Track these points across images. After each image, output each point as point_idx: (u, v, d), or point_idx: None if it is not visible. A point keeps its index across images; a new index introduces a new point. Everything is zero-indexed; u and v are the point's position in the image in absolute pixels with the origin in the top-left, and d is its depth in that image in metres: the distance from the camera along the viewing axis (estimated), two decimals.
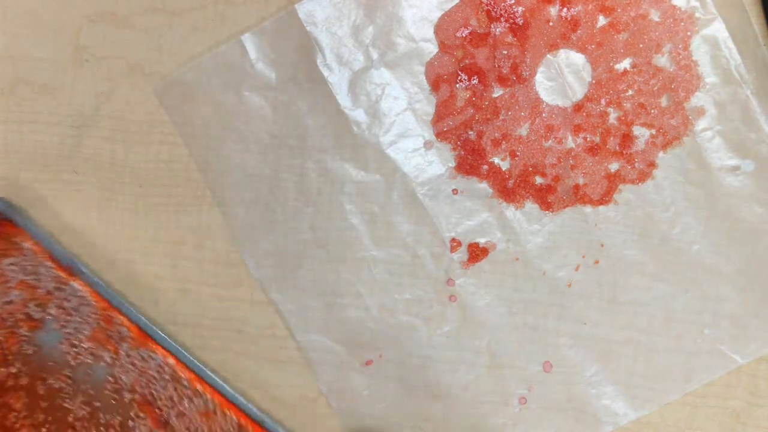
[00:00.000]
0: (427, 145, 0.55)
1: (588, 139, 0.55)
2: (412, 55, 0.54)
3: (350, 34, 0.54)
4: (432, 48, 0.54)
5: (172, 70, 0.55)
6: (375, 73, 0.55)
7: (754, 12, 0.54)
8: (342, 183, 0.55)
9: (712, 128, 0.54)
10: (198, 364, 0.55)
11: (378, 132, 0.55)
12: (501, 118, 0.54)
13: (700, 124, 0.54)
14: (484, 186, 0.55)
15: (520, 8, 0.53)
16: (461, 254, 0.56)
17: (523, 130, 0.55)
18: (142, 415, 0.54)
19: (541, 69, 0.54)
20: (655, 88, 0.54)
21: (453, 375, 0.56)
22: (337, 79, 0.55)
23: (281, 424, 0.56)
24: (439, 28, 0.54)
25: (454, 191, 0.56)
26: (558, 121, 0.54)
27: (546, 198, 0.55)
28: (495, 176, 0.55)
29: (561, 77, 0.54)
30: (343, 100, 0.55)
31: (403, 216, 0.55)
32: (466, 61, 0.54)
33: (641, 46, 0.54)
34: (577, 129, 0.54)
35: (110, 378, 0.54)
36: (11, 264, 0.53)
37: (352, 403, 0.57)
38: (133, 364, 0.54)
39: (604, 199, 0.55)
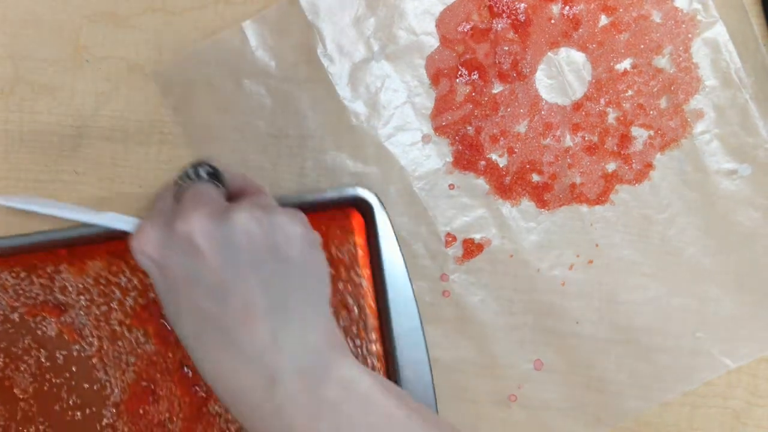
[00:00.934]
0: (425, 139, 0.55)
1: (586, 138, 0.55)
2: (412, 48, 0.54)
3: (352, 25, 0.54)
4: (433, 42, 0.54)
5: None
6: (375, 65, 0.55)
7: (756, 16, 0.54)
8: (340, 174, 0.55)
9: (711, 131, 0.54)
10: None
11: (377, 124, 0.55)
12: (500, 114, 0.54)
13: (699, 127, 0.54)
14: (480, 182, 0.55)
15: (522, 5, 0.53)
16: (456, 249, 0.56)
17: (522, 127, 0.55)
18: None
19: (541, 66, 0.54)
20: (655, 89, 0.54)
21: (444, 370, 0.56)
22: (337, 70, 0.55)
23: None
24: (441, 22, 0.54)
25: (451, 186, 0.55)
26: (557, 120, 0.54)
27: (542, 196, 0.55)
28: (492, 172, 0.55)
29: (561, 75, 0.54)
30: (343, 90, 0.55)
31: (398, 209, 0.55)
32: (467, 56, 0.54)
33: (642, 46, 0.54)
34: (575, 128, 0.54)
35: None
36: None
37: None
38: None
39: (601, 198, 0.55)
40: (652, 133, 0.54)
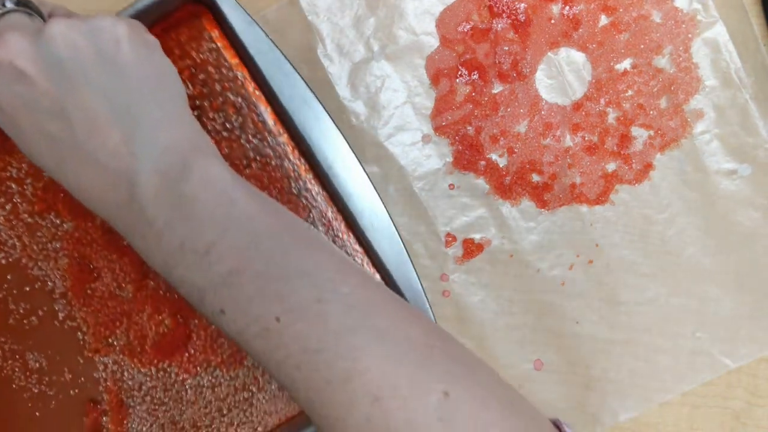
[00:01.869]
0: (425, 139, 0.55)
1: (586, 138, 0.55)
2: (412, 48, 0.54)
3: (352, 25, 0.54)
4: (433, 42, 0.54)
5: None
6: (375, 65, 0.55)
7: (756, 16, 0.54)
8: None
9: (711, 131, 0.54)
10: None
11: (376, 124, 0.55)
12: (500, 114, 0.54)
13: (699, 127, 0.54)
14: (480, 182, 0.55)
15: (522, 5, 0.53)
16: (456, 249, 0.56)
17: (522, 127, 0.55)
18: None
19: (541, 66, 0.54)
20: (655, 89, 0.54)
21: None
22: (337, 70, 0.55)
23: None
24: (441, 22, 0.54)
25: (451, 186, 0.55)
26: (557, 120, 0.54)
27: (542, 196, 0.55)
28: (492, 172, 0.55)
29: (561, 75, 0.54)
30: (343, 90, 0.55)
31: (398, 209, 0.55)
32: (467, 56, 0.54)
33: (642, 46, 0.54)
34: (575, 128, 0.54)
35: None
36: None
37: None
38: None
39: (601, 198, 0.55)
40: (652, 133, 0.54)
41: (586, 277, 0.56)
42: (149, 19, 0.48)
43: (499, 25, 0.54)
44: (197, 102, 0.50)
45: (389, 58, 0.54)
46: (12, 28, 0.38)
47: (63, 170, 0.39)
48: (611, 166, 0.55)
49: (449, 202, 0.56)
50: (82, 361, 0.52)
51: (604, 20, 0.54)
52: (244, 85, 0.50)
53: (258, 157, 0.51)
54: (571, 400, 0.56)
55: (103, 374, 0.52)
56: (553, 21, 0.54)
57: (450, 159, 0.55)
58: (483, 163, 0.55)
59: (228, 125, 0.50)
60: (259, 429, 0.53)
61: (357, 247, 0.52)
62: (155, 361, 0.52)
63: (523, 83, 0.54)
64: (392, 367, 0.35)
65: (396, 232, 0.50)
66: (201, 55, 0.50)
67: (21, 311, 0.52)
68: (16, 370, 0.52)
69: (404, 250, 0.50)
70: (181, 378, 0.52)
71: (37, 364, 0.52)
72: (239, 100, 0.50)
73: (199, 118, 0.50)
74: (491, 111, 0.54)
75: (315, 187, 0.51)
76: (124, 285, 0.52)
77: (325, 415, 0.36)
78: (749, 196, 0.55)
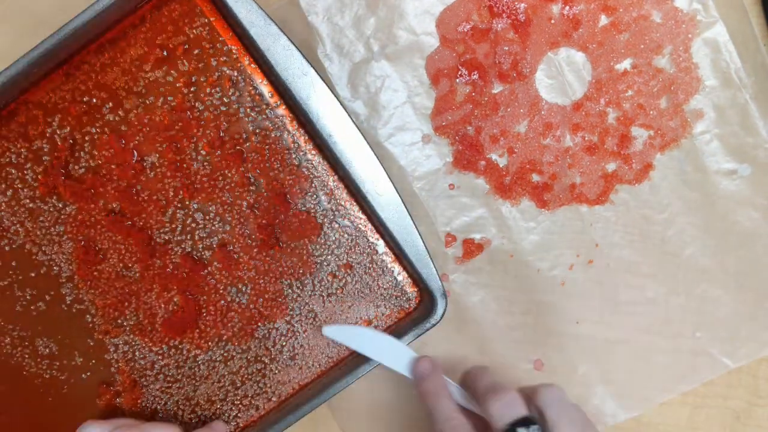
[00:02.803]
0: (425, 139, 0.55)
1: (586, 138, 0.54)
2: (412, 49, 0.54)
3: (351, 25, 0.54)
4: (433, 42, 0.54)
5: None
6: (375, 65, 0.54)
7: (756, 16, 0.54)
8: None
9: (711, 131, 0.54)
10: None
11: (376, 124, 0.55)
12: (500, 114, 0.54)
13: (699, 127, 0.54)
14: (481, 182, 0.55)
15: (522, 5, 0.53)
16: (456, 249, 0.56)
17: (522, 127, 0.55)
18: None
19: (541, 66, 0.54)
20: (655, 89, 0.54)
21: (444, 371, 0.56)
22: (337, 70, 0.54)
23: None
24: (441, 22, 0.54)
25: (451, 186, 0.55)
26: (557, 120, 0.54)
27: (542, 196, 0.55)
28: (492, 172, 0.55)
29: (561, 75, 0.54)
30: (343, 90, 0.54)
31: None
32: (467, 56, 0.54)
33: (642, 46, 0.53)
34: (575, 128, 0.54)
35: None
36: None
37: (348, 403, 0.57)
38: None
39: (601, 198, 0.55)
40: (652, 133, 0.54)
41: (586, 277, 0.56)
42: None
43: (499, 25, 0.53)
44: (193, 78, 0.50)
45: (389, 58, 0.54)
46: None
47: None
48: (611, 166, 0.55)
49: (449, 202, 0.55)
50: (92, 343, 0.52)
51: (604, 20, 0.53)
52: (239, 59, 0.50)
53: (257, 130, 0.51)
54: (571, 400, 0.56)
55: (115, 356, 0.53)
56: (553, 21, 0.53)
57: (450, 159, 0.55)
58: (483, 163, 0.55)
59: (225, 99, 0.50)
60: (274, 399, 0.54)
61: (360, 214, 0.52)
62: (167, 339, 0.53)
63: (523, 83, 0.54)
64: None
65: (399, 198, 0.50)
66: (194, 31, 0.50)
67: (28, 297, 0.52)
68: (26, 356, 0.52)
69: (408, 215, 0.50)
70: (193, 354, 0.53)
71: (47, 350, 0.52)
72: (235, 73, 0.50)
73: (196, 94, 0.50)
74: (491, 111, 0.54)
75: (316, 157, 0.51)
76: (130, 265, 0.52)
77: None
78: (749, 196, 0.55)
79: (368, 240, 0.52)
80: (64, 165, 0.50)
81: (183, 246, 0.51)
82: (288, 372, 0.53)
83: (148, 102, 0.50)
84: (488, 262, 0.56)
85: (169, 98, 0.50)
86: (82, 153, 0.50)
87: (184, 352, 0.53)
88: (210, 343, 0.53)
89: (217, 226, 0.51)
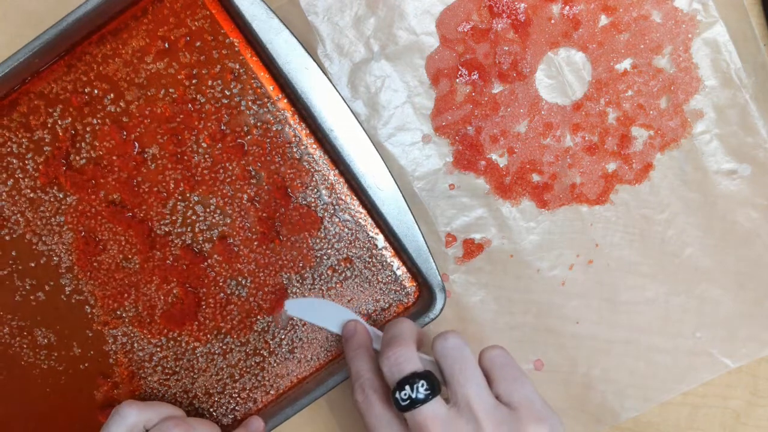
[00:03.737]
0: (425, 139, 0.55)
1: (586, 138, 0.55)
2: (413, 49, 0.55)
3: (352, 25, 0.54)
4: (433, 42, 0.55)
5: None
6: (375, 65, 0.55)
7: (756, 16, 0.54)
8: None
9: (710, 131, 0.54)
10: None
11: (376, 124, 0.55)
12: (500, 114, 0.55)
13: (699, 127, 0.54)
14: (481, 182, 0.55)
15: (522, 5, 0.54)
16: (456, 250, 0.56)
17: (522, 127, 0.55)
18: None
19: (541, 66, 0.54)
20: (655, 89, 0.54)
21: None
22: (337, 70, 0.55)
23: None
24: (441, 22, 0.54)
25: (451, 186, 0.56)
26: (557, 120, 0.55)
27: (542, 196, 0.55)
28: (492, 172, 0.55)
29: (561, 75, 0.54)
30: (343, 90, 0.55)
31: None
32: (467, 56, 0.54)
33: (642, 46, 0.54)
34: (575, 128, 0.55)
35: None
36: None
37: (346, 397, 0.56)
38: None
39: (601, 198, 0.55)
40: (652, 133, 0.54)
41: (586, 277, 0.56)
42: None
43: (499, 25, 0.54)
44: (194, 70, 0.50)
45: (389, 58, 0.55)
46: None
47: None
48: (611, 166, 0.55)
49: (449, 202, 0.56)
50: (91, 334, 0.53)
51: (604, 20, 0.54)
52: (241, 52, 0.51)
53: (259, 124, 0.51)
54: (571, 400, 0.56)
55: (113, 347, 0.53)
56: (553, 21, 0.54)
57: (450, 159, 0.55)
58: (483, 163, 0.55)
59: (227, 92, 0.51)
60: (272, 392, 0.53)
61: (360, 208, 0.52)
62: (165, 331, 0.53)
63: (523, 83, 0.54)
64: None
65: (400, 193, 0.50)
66: (196, 23, 0.50)
67: (27, 287, 0.52)
68: (25, 346, 0.52)
69: (408, 211, 0.50)
70: (192, 346, 0.53)
71: (46, 340, 0.52)
72: (236, 66, 0.51)
73: (197, 86, 0.50)
74: (491, 111, 0.55)
75: (317, 151, 0.52)
76: (130, 257, 0.52)
77: None
78: (749, 196, 0.55)
79: (368, 234, 0.52)
80: (65, 155, 0.50)
81: (183, 238, 0.52)
82: (286, 365, 0.53)
83: (149, 94, 0.50)
84: (488, 262, 0.56)
85: (170, 90, 0.50)
86: (83, 144, 0.50)
87: (183, 344, 0.53)
88: (209, 336, 0.53)
89: (217, 218, 0.51)
